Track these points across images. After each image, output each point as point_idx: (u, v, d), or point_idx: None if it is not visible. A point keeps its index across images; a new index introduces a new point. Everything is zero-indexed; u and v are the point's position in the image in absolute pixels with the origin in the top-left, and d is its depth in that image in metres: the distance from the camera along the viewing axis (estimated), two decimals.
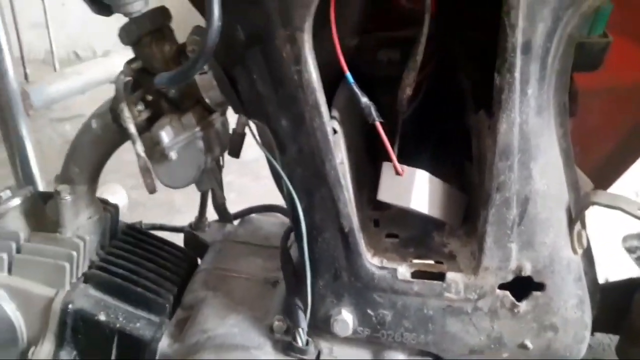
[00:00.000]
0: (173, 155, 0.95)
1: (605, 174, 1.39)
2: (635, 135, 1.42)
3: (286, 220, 1.33)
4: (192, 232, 1.29)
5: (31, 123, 1.98)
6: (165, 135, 0.94)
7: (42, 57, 3.72)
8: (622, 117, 1.44)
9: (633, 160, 1.42)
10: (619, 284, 1.22)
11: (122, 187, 1.72)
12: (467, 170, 1.05)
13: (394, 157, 0.92)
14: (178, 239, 1.32)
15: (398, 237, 1.03)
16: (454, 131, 1.09)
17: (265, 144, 0.93)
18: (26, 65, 2.66)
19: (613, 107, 1.45)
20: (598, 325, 0.96)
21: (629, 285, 1.23)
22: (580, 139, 0.96)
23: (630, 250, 1.52)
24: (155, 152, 0.94)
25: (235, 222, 1.34)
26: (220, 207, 1.29)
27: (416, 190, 0.92)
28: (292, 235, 1.04)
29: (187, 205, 2.37)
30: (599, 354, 1.25)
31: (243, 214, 1.33)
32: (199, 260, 1.23)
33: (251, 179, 2.62)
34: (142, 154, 0.92)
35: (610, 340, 1.27)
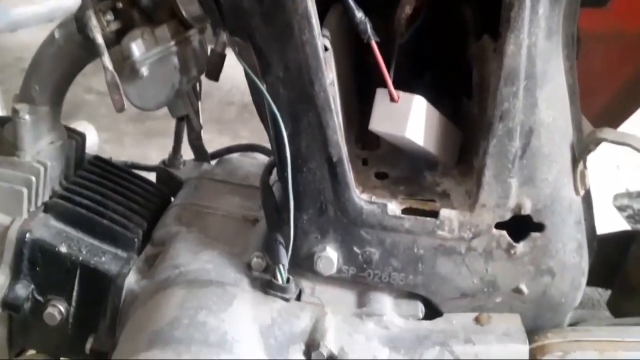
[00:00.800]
0: (144, 71, 0.88)
1: (606, 122, 1.35)
2: (637, 84, 1.38)
3: (265, 159, 1.28)
4: (165, 169, 1.22)
5: None
6: (136, 48, 0.87)
7: None
8: (625, 64, 1.40)
9: (634, 110, 1.39)
10: (612, 237, 1.20)
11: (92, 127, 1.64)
12: (465, 106, 1.00)
13: (389, 81, 0.86)
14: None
15: (387, 176, 0.99)
16: (451, 67, 1.04)
17: (247, 66, 0.87)
18: None
19: (616, 53, 1.41)
20: (589, 279, 0.93)
21: (622, 238, 1.21)
22: (582, 85, 0.92)
23: (620, 209, 1.50)
24: (124, 67, 0.87)
25: (213, 163, 1.28)
26: (196, 143, 1.22)
27: (412, 118, 0.87)
28: (275, 171, 0.98)
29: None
30: (588, 310, 1.23)
31: (221, 154, 1.27)
32: (172, 200, 1.17)
33: (230, 138, 2.58)
34: (110, 67, 0.85)
35: (599, 295, 1.25)
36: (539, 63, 0.81)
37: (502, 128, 0.83)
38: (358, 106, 1.05)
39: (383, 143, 1.04)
